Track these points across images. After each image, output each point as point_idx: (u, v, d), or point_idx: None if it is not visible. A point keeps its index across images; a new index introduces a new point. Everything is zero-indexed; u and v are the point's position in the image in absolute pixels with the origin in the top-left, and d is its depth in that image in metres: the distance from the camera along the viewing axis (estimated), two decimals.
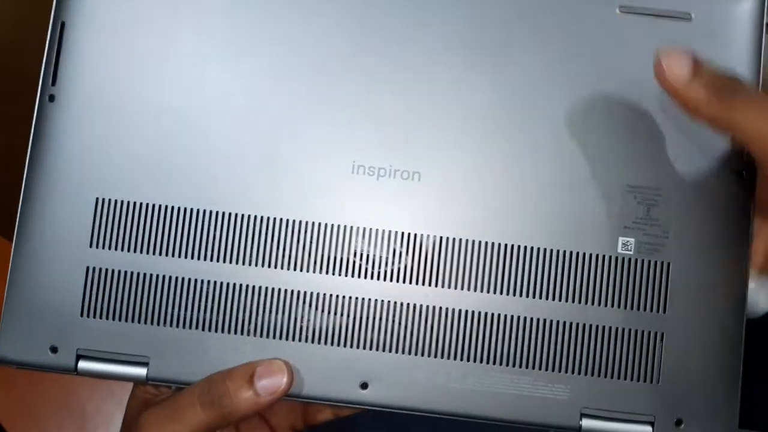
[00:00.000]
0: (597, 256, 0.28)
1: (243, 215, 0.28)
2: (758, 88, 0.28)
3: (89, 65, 0.28)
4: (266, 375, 0.26)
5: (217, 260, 0.28)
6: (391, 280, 0.28)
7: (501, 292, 0.27)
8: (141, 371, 0.28)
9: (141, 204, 0.28)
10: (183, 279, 0.28)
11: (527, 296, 0.27)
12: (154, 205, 0.28)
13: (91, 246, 0.28)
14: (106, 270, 0.28)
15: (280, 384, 0.26)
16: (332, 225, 0.28)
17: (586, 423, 0.27)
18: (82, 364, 0.28)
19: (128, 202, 0.28)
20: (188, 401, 0.26)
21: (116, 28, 0.28)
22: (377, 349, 0.27)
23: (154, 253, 0.28)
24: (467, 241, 0.28)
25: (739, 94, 0.24)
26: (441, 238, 0.28)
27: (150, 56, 0.28)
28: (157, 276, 0.28)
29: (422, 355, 0.27)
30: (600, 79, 0.28)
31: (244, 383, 0.26)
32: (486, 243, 0.28)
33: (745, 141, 0.25)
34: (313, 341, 0.28)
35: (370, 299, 0.28)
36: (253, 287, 0.28)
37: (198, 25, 0.28)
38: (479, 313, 0.27)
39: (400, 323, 0.28)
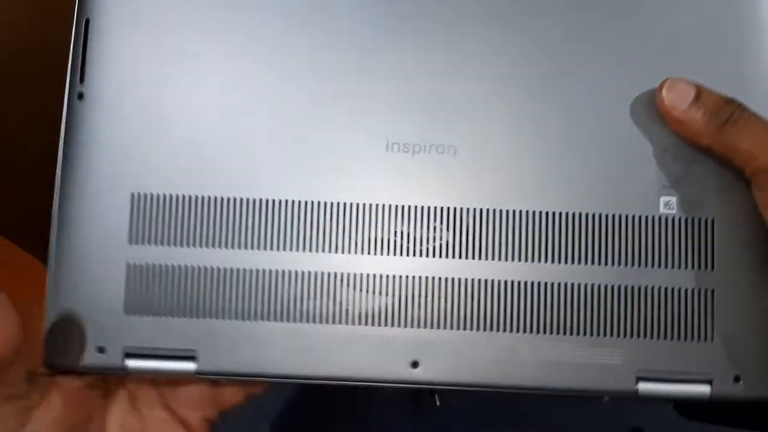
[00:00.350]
0: (641, 217, 0.27)
1: (280, 200, 0.27)
2: None
3: (116, 61, 0.28)
4: None
5: (257, 248, 0.27)
6: (433, 255, 0.27)
7: (545, 260, 0.27)
8: (190, 365, 0.27)
9: (177, 196, 0.28)
10: (224, 269, 0.27)
11: (572, 263, 0.27)
12: (190, 197, 0.28)
13: (130, 242, 0.28)
14: (147, 265, 0.27)
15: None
16: (370, 205, 0.28)
17: (642, 386, 0.27)
18: (130, 362, 0.27)
19: (164, 195, 0.28)
20: None
21: (141, 23, 0.28)
22: (425, 327, 0.27)
23: (193, 246, 0.27)
24: (508, 211, 0.27)
25: (742, 121, 0.26)
26: (481, 210, 0.27)
27: (176, 48, 0.28)
28: (199, 268, 0.27)
29: (471, 329, 0.27)
30: (628, 42, 0.28)
31: None
32: (527, 212, 0.27)
33: (744, 166, 0.26)
34: (359, 323, 0.27)
35: (413, 276, 0.27)
36: (296, 272, 0.27)
37: (224, 16, 0.28)
38: (524, 282, 0.27)
39: (445, 299, 0.27)
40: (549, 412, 0.36)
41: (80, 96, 0.28)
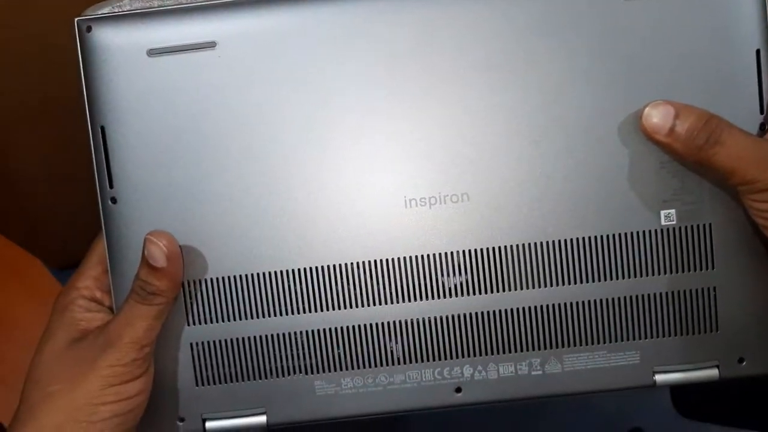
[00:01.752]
0: (645, 232, 0.30)
1: (319, 267, 0.30)
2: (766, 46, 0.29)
3: (139, 162, 0.30)
4: (150, 252, 0.28)
5: (302, 312, 0.30)
6: (463, 294, 0.30)
7: (561, 284, 0.30)
8: (261, 419, 0.31)
9: (222, 278, 0.30)
10: (280, 334, 0.30)
11: (585, 282, 0.30)
12: (233, 277, 0.30)
13: (189, 324, 0.30)
14: (207, 342, 0.31)
15: (162, 248, 0.28)
16: (400, 258, 0.30)
17: (659, 378, 0.31)
18: (209, 425, 0.31)
19: (211, 279, 0.30)
20: (129, 306, 0.29)
21: (152, 121, 0.30)
22: (463, 356, 0.31)
23: (243, 318, 0.30)
24: (524, 245, 0.30)
25: (719, 143, 0.27)
26: (500, 247, 0.30)
27: (191, 138, 0.30)
28: (255, 337, 0.30)
29: (504, 352, 0.31)
30: (617, 68, 0.29)
31: (146, 268, 0.29)
32: (540, 243, 0.30)
33: (727, 178, 0.28)
34: (406, 362, 0.31)
35: (447, 315, 0.30)
36: (344, 328, 0.30)
37: (234, 99, 0.29)
38: (545, 306, 0.30)
39: (478, 330, 0.31)
40: (550, 413, 0.40)
41: (113, 200, 0.30)
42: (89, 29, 0.29)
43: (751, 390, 0.33)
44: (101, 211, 0.30)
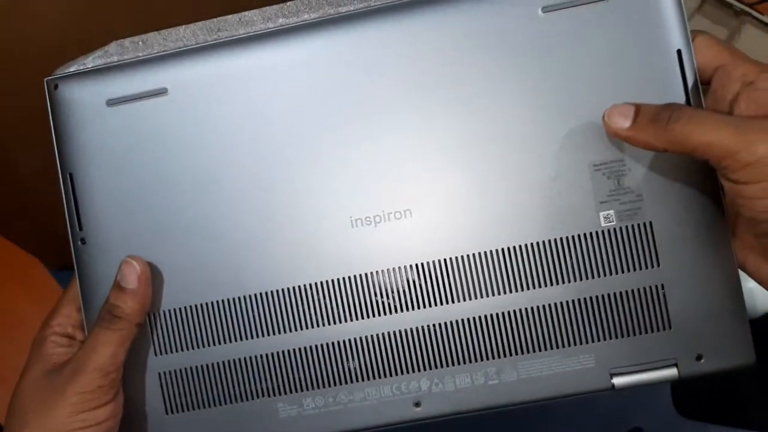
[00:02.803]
0: (586, 234, 0.30)
1: (273, 291, 0.31)
2: (689, 42, 0.30)
3: (105, 203, 0.32)
4: (123, 274, 0.31)
5: (264, 335, 0.32)
6: (415, 308, 0.31)
7: (509, 291, 0.31)
8: None
9: (184, 308, 0.32)
10: (241, 359, 0.32)
11: (534, 287, 0.31)
12: (194, 306, 0.32)
13: (156, 354, 0.32)
14: (174, 371, 0.32)
15: (136, 270, 0.31)
16: (351, 277, 0.31)
17: (617, 381, 0.30)
18: None
19: (174, 309, 0.32)
20: (95, 334, 0.30)
21: (115, 165, 0.32)
22: (420, 370, 0.31)
23: (208, 345, 0.32)
24: (468, 255, 0.31)
25: (684, 118, 0.27)
26: (446, 259, 0.31)
27: (152, 178, 0.32)
28: (218, 363, 0.32)
29: (459, 363, 0.31)
30: (543, 78, 0.31)
31: (116, 290, 0.31)
32: (485, 252, 0.31)
33: (700, 155, 0.27)
34: (364, 379, 0.31)
35: (401, 330, 0.31)
36: (301, 349, 0.31)
37: (182, 139, 0.32)
38: (496, 314, 0.31)
39: (432, 342, 0.31)
40: (550, 413, 0.39)
41: (83, 241, 0.32)
42: (56, 87, 0.32)
43: (751, 390, 0.33)
44: (72, 252, 0.32)
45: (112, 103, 0.32)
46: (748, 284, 0.30)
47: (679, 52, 0.30)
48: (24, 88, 0.39)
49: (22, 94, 0.39)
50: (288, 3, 0.32)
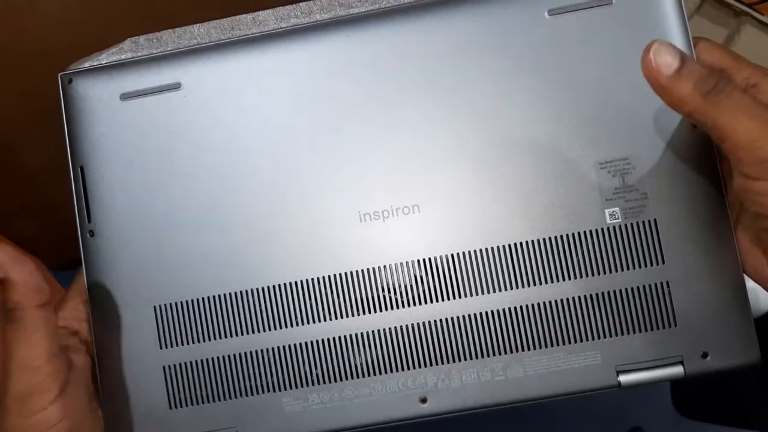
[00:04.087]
0: (591, 231, 0.31)
1: (282, 284, 0.32)
2: (690, 46, 0.31)
3: (115, 196, 0.32)
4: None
5: (270, 329, 0.32)
6: (422, 303, 0.31)
7: (517, 287, 0.31)
8: None
9: (191, 301, 0.32)
10: (247, 353, 0.32)
11: (541, 283, 0.31)
12: (201, 299, 0.32)
13: (161, 348, 0.32)
14: (180, 364, 0.32)
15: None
16: (358, 271, 0.31)
17: (623, 378, 0.30)
18: None
19: (181, 302, 0.32)
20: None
21: (129, 159, 0.32)
22: (426, 365, 0.31)
23: (214, 339, 0.32)
24: (476, 251, 0.31)
25: (725, 93, 0.25)
26: (452, 254, 0.31)
27: (163, 173, 0.32)
28: (223, 357, 0.32)
29: (465, 359, 0.31)
30: (549, 78, 0.31)
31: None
32: (493, 248, 0.31)
33: (718, 135, 0.25)
34: (370, 374, 0.31)
35: (408, 325, 0.31)
36: (307, 343, 0.31)
37: (198, 138, 0.32)
38: (503, 310, 0.31)
39: (439, 338, 0.31)
40: (551, 412, 0.39)
41: (91, 233, 0.32)
42: (70, 81, 0.33)
43: (751, 390, 0.33)
44: (80, 244, 0.33)
45: (125, 97, 0.32)
46: (750, 282, 0.30)
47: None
48: (27, 87, 0.40)
49: (25, 93, 0.40)
50: (300, 4, 0.33)
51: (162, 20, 0.35)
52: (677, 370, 0.30)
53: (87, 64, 0.34)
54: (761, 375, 0.31)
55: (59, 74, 0.33)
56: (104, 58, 0.34)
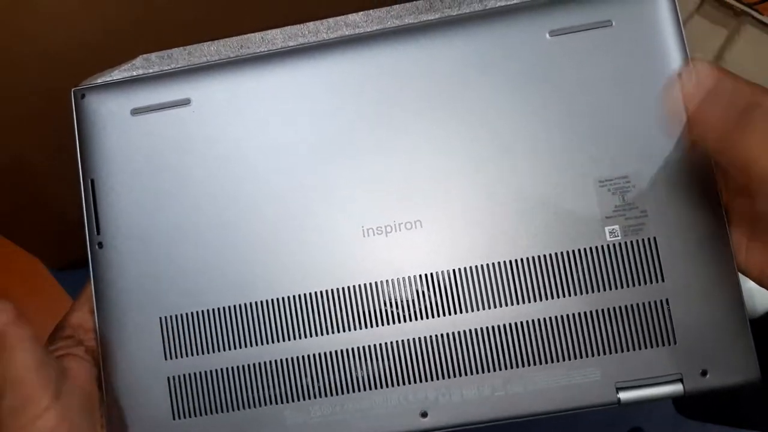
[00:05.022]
0: (591, 248, 0.31)
1: (286, 298, 0.32)
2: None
3: (124, 210, 0.33)
4: None
5: (273, 342, 0.32)
6: (423, 318, 0.32)
7: (517, 303, 0.31)
8: None
9: (196, 312, 0.32)
10: (250, 365, 0.32)
11: (541, 300, 0.31)
12: (206, 311, 0.32)
13: (166, 359, 0.32)
14: (184, 375, 0.32)
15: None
16: (361, 285, 0.32)
17: (623, 395, 0.31)
18: None
19: (186, 314, 0.32)
20: None
21: (136, 173, 0.33)
22: (427, 380, 0.31)
23: (218, 350, 0.32)
24: (477, 266, 0.32)
25: (750, 125, 0.23)
26: (454, 270, 0.32)
27: (171, 186, 0.33)
28: (227, 369, 0.32)
29: (466, 374, 0.31)
30: (550, 98, 0.32)
31: None
32: (494, 264, 0.31)
33: (737, 167, 0.24)
34: (372, 388, 0.32)
35: (409, 339, 0.32)
36: (310, 356, 0.32)
37: (206, 152, 0.33)
38: (505, 325, 0.31)
39: (440, 352, 0.32)
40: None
41: (100, 245, 0.33)
42: (83, 96, 0.34)
43: (751, 390, 0.33)
44: (89, 256, 0.33)
45: (136, 112, 0.33)
46: (747, 284, 0.30)
47: (680, 75, 0.31)
48: (30, 92, 0.40)
49: (29, 98, 0.40)
50: (308, 23, 0.34)
51: (173, 34, 0.36)
52: (677, 388, 0.30)
53: (99, 80, 0.34)
54: (761, 375, 0.31)
55: (72, 89, 0.34)
56: (116, 74, 0.35)
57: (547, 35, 0.32)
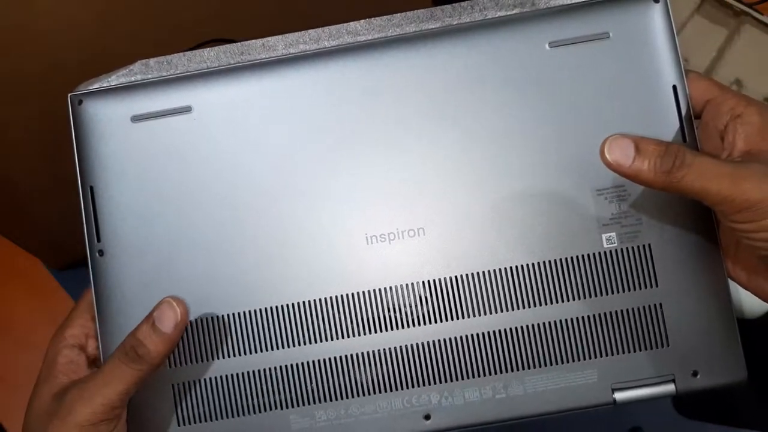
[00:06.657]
0: (589, 255, 0.32)
1: (290, 304, 0.32)
2: (683, 78, 0.32)
3: (124, 216, 0.33)
4: (162, 314, 0.30)
5: (277, 348, 0.32)
6: (426, 323, 0.32)
7: (517, 308, 0.32)
8: None
9: (198, 319, 0.32)
10: (255, 371, 0.32)
11: (540, 305, 0.32)
12: (208, 318, 0.32)
13: (169, 366, 0.32)
14: (188, 382, 0.32)
15: (176, 315, 0.30)
16: (364, 292, 0.32)
17: (618, 396, 0.32)
18: None
19: (190, 322, 0.32)
20: (111, 366, 0.29)
21: (136, 180, 0.33)
22: (430, 383, 0.32)
23: (221, 357, 0.32)
24: (478, 273, 0.32)
25: (685, 165, 0.27)
26: (456, 276, 0.32)
27: (170, 193, 0.33)
28: (231, 375, 0.32)
29: (468, 377, 0.32)
30: (548, 108, 0.33)
31: (148, 328, 0.30)
32: (494, 270, 0.32)
33: (696, 198, 0.28)
34: (376, 392, 0.32)
35: (412, 344, 0.32)
36: (314, 361, 0.32)
37: (207, 160, 0.33)
38: (505, 329, 0.32)
39: (442, 357, 0.32)
40: None
41: (101, 253, 0.33)
42: (80, 102, 0.33)
43: (750, 390, 0.34)
44: (89, 263, 0.33)
45: (137, 119, 0.33)
46: (737, 289, 0.32)
47: (674, 87, 0.32)
48: (30, 95, 0.39)
49: (26, 100, 0.39)
50: (309, 31, 0.34)
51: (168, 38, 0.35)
52: (669, 388, 0.32)
53: (96, 86, 0.34)
54: (759, 375, 0.33)
55: (69, 95, 0.34)
56: (113, 79, 0.34)
57: (547, 46, 0.33)
